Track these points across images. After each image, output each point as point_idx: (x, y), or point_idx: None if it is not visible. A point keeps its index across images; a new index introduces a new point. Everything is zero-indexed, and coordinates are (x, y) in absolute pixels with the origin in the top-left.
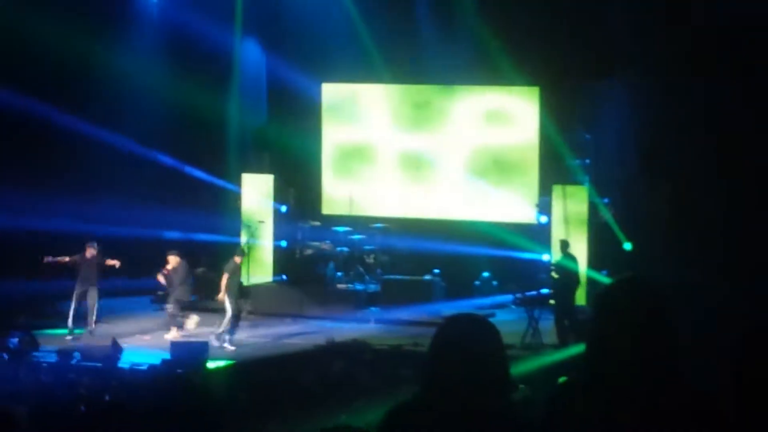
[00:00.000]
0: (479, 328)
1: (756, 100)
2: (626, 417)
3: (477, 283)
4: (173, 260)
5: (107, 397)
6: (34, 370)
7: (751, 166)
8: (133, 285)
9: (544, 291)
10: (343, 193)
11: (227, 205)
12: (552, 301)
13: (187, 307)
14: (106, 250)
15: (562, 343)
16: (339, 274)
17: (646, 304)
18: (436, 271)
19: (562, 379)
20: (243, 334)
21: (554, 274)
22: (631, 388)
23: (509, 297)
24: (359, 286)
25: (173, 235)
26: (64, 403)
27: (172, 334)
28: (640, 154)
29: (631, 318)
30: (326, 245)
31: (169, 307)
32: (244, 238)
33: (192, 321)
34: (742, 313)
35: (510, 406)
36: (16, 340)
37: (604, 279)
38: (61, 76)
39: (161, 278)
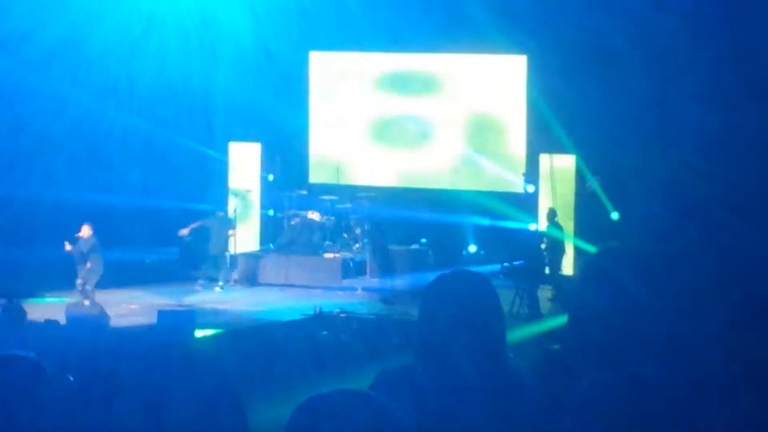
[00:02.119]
0: (473, 284)
1: (749, 73)
2: (612, 384)
3: (464, 252)
4: (85, 229)
5: (94, 366)
6: (21, 337)
7: (740, 135)
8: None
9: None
10: (330, 161)
11: (214, 174)
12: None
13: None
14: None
15: (534, 313)
16: (326, 243)
17: (630, 272)
18: (423, 240)
19: (554, 347)
20: (231, 303)
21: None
22: (616, 357)
23: (496, 267)
24: (346, 255)
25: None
26: (52, 372)
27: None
28: (628, 123)
29: (614, 286)
30: (313, 214)
31: (79, 280)
32: (231, 207)
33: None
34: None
35: (506, 368)
36: (0, 307)
37: (590, 248)
38: (58, 47)
39: (68, 246)
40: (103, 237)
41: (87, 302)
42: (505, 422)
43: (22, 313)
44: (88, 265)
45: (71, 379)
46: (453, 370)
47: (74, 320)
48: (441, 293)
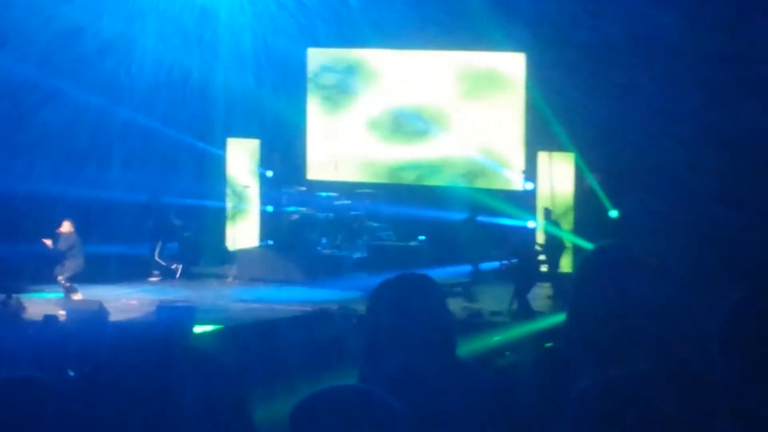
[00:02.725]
0: (415, 286)
1: (748, 72)
2: (607, 382)
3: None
4: (66, 225)
5: (94, 361)
6: (20, 333)
7: (740, 133)
8: (118, 249)
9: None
10: (328, 158)
11: (212, 170)
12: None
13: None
14: (89, 215)
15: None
16: (324, 239)
17: (628, 270)
18: (421, 237)
19: (548, 345)
20: (230, 300)
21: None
22: (612, 354)
23: (495, 264)
24: (345, 252)
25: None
26: (51, 367)
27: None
28: (627, 121)
29: (612, 284)
30: (312, 210)
31: (60, 278)
32: (229, 203)
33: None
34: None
35: (456, 363)
36: None
37: (589, 246)
38: (53, 40)
39: (48, 242)
40: (101, 233)
41: (75, 297)
42: (458, 418)
43: (22, 309)
44: (66, 262)
45: (71, 373)
46: (398, 370)
47: (74, 315)
48: (382, 297)
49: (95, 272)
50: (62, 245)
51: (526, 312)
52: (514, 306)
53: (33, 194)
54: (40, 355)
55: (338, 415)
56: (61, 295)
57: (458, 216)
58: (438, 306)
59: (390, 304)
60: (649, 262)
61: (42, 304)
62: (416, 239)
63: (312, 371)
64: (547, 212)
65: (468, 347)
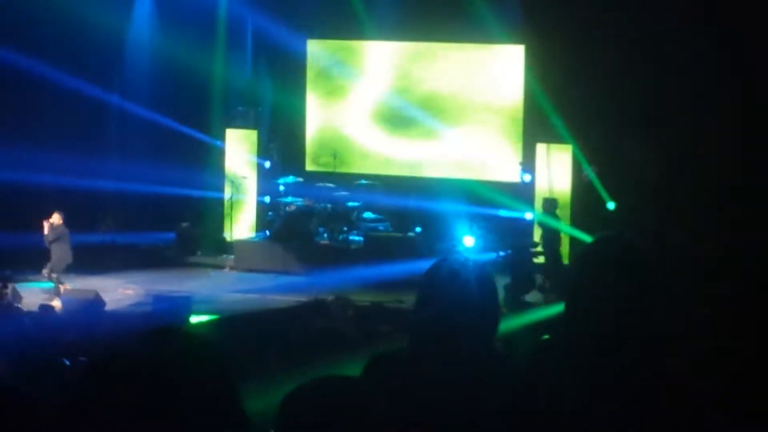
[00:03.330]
0: (471, 271)
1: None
2: (605, 374)
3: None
4: (55, 217)
5: (89, 351)
6: (16, 322)
7: (739, 124)
8: (115, 239)
9: (527, 249)
10: (326, 149)
11: (211, 161)
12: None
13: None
14: (89, 204)
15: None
16: (322, 230)
17: (627, 262)
18: (418, 229)
19: (545, 337)
20: (226, 290)
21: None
22: (609, 346)
23: (492, 255)
24: (342, 243)
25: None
26: (47, 356)
27: (56, 302)
28: (625, 113)
29: (611, 276)
30: (310, 201)
31: (51, 268)
32: (227, 194)
33: (56, 301)
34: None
35: (495, 354)
36: None
37: (587, 238)
38: (50, 32)
39: (45, 224)
40: (98, 222)
41: (63, 288)
42: (495, 407)
43: (18, 298)
44: (52, 254)
45: (66, 363)
46: (446, 356)
47: (70, 305)
48: (437, 279)
49: (91, 262)
50: (50, 236)
51: (518, 302)
52: (510, 297)
53: (29, 184)
54: (35, 345)
55: (324, 407)
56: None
57: (455, 207)
58: (491, 294)
59: (443, 287)
60: (647, 253)
61: (38, 293)
62: (414, 230)
63: (308, 362)
64: (546, 203)
65: None
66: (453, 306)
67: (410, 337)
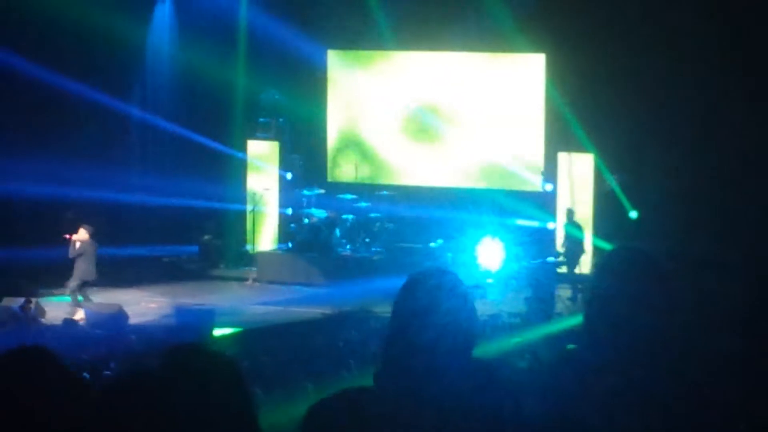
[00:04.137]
0: (440, 281)
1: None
2: (624, 384)
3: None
4: (82, 233)
5: (112, 365)
6: (39, 337)
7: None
8: (138, 252)
9: (550, 259)
10: (348, 160)
11: (232, 172)
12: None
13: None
14: (108, 218)
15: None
16: (344, 241)
17: (646, 272)
18: (440, 241)
19: (570, 347)
20: (249, 302)
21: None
22: (628, 356)
23: (515, 265)
24: (365, 254)
25: (178, 201)
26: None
27: (78, 315)
28: (647, 122)
29: (630, 286)
30: (332, 213)
31: (71, 283)
32: (249, 206)
33: (79, 312)
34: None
35: (474, 362)
36: (17, 306)
37: (609, 247)
38: (70, 44)
39: (70, 237)
40: (122, 235)
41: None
42: (477, 418)
43: (41, 312)
44: (76, 269)
45: (87, 376)
46: (421, 370)
47: (93, 319)
48: (409, 292)
49: (114, 276)
50: (76, 250)
51: (544, 313)
52: (532, 307)
53: (52, 198)
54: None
55: (349, 419)
56: (80, 299)
57: (476, 217)
58: (461, 302)
59: (415, 300)
60: (665, 264)
61: (61, 307)
62: (436, 241)
63: (331, 374)
64: (569, 213)
65: (487, 348)
66: (425, 320)
67: (384, 352)
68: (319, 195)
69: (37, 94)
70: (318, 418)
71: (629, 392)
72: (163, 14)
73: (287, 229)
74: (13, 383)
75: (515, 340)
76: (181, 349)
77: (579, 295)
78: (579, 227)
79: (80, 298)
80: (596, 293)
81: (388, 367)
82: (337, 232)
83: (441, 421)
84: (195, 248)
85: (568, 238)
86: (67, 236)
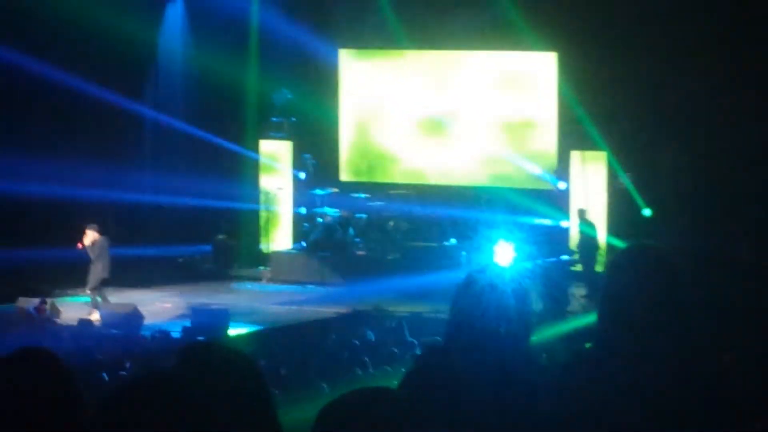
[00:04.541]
0: (504, 280)
1: None
2: (638, 381)
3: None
4: (90, 235)
5: (128, 365)
6: (55, 337)
7: None
8: (152, 252)
9: (563, 258)
10: (360, 159)
11: (245, 172)
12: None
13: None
14: (124, 217)
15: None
16: (358, 240)
17: (659, 270)
18: (453, 241)
19: (587, 346)
20: (264, 302)
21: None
22: (642, 354)
23: (528, 264)
24: (379, 253)
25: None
26: (86, 371)
27: (94, 316)
28: (660, 119)
29: (642, 284)
30: (345, 212)
31: (90, 284)
32: (263, 205)
33: (94, 313)
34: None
35: (529, 362)
36: (33, 307)
37: (622, 245)
38: (82, 45)
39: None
40: (136, 235)
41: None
42: (525, 415)
43: (56, 313)
44: (91, 269)
45: (105, 377)
46: (480, 365)
47: (109, 319)
48: (472, 289)
49: (129, 276)
50: (91, 251)
51: (558, 312)
52: (547, 306)
53: (65, 198)
54: (75, 359)
55: (361, 421)
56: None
57: (490, 216)
58: (522, 302)
59: (477, 296)
60: (678, 261)
61: (77, 307)
62: (449, 240)
63: (347, 373)
64: (581, 212)
65: None
66: (487, 317)
67: (444, 348)
68: (332, 194)
69: (50, 96)
70: (329, 419)
71: (644, 391)
72: (175, 14)
73: (301, 228)
74: (11, 384)
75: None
76: (198, 346)
77: (593, 293)
78: (592, 225)
79: (98, 298)
80: (609, 291)
81: (454, 352)
82: (351, 231)
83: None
84: (209, 248)
85: (582, 236)
86: (80, 245)
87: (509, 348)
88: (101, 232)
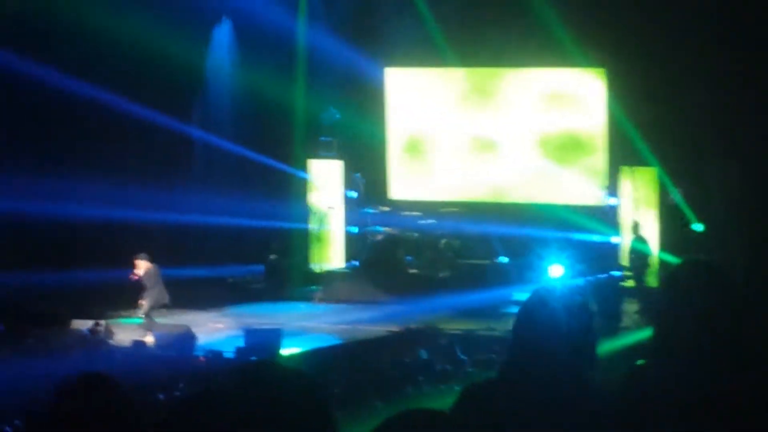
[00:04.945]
0: (568, 300)
1: None
2: (694, 397)
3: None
4: (142, 265)
5: (181, 385)
6: (109, 358)
7: None
8: (203, 273)
9: (615, 274)
10: (410, 177)
11: (295, 192)
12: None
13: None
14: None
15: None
16: (410, 259)
17: (714, 285)
18: (505, 259)
19: (640, 362)
20: (316, 322)
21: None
22: (698, 369)
23: (580, 280)
24: (430, 271)
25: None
26: (141, 392)
27: (148, 338)
28: (709, 133)
29: (698, 300)
30: (396, 230)
31: (144, 306)
32: (314, 225)
33: (148, 335)
34: None
35: (588, 385)
36: (87, 329)
37: (674, 260)
38: (130, 66)
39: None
40: (187, 257)
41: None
42: None
43: (110, 334)
44: (147, 296)
45: (161, 397)
46: (538, 386)
47: (162, 340)
48: (535, 307)
49: (181, 297)
50: (145, 281)
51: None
52: (598, 322)
53: (117, 219)
54: (129, 380)
55: None
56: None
57: (541, 232)
58: (586, 323)
59: (540, 316)
60: (732, 277)
61: (130, 329)
62: (501, 257)
63: (400, 392)
64: (635, 226)
65: None
66: (548, 336)
67: (503, 365)
68: (383, 213)
69: (101, 119)
70: None
71: (700, 406)
72: (223, 34)
73: (353, 247)
74: (74, 409)
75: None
76: (254, 365)
77: (645, 309)
78: (644, 240)
79: (153, 319)
80: (664, 308)
81: (511, 373)
82: (403, 249)
83: None
84: (261, 268)
85: (634, 251)
86: (132, 276)
87: (566, 373)
88: (151, 260)
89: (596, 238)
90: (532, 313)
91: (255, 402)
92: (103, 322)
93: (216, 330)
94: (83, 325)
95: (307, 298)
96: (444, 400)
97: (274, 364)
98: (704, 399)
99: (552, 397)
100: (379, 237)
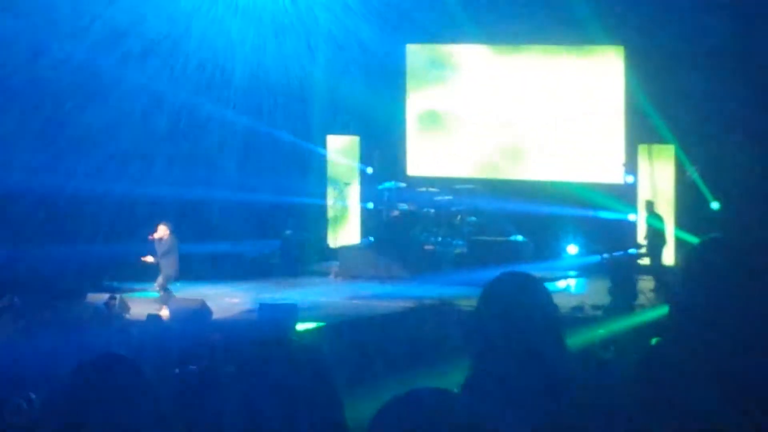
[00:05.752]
0: (521, 286)
1: None
2: (710, 376)
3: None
4: (162, 230)
5: (197, 360)
6: (124, 332)
7: None
8: (220, 247)
9: (632, 251)
10: (428, 154)
11: (312, 168)
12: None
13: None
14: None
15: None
16: (426, 235)
17: (731, 263)
18: (521, 238)
19: (654, 341)
20: (332, 297)
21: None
22: (715, 348)
23: (596, 258)
24: (446, 248)
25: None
26: (155, 366)
27: (163, 312)
28: (727, 111)
29: (715, 278)
30: (413, 206)
31: (160, 281)
32: (330, 200)
33: (163, 308)
34: None
35: (564, 367)
36: (102, 303)
37: (691, 239)
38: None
39: (148, 259)
40: (204, 231)
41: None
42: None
43: (125, 308)
44: (162, 267)
45: (177, 371)
46: (501, 373)
47: (177, 314)
48: (491, 296)
49: (197, 271)
50: (158, 249)
51: (626, 305)
52: (614, 300)
53: (137, 195)
54: (144, 354)
55: (419, 420)
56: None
57: (557, 210)
58: (543, 308)
59: (495, 304)
60: (751, 255)
61: (145, 303)
62: (517, 234)
63: (411, 368)
64: (649, 204)
65: (571, 340)
66: (502, 323)
67: (470, 353)
68: (399, 189)
69: (119, 95)
70: (386, 418)
71: (716, 385)
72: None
73: (369, 223)
74: (91, 391)
75: (599, 332)
76: (265, 343)
77: (661, 287)
78: (659, 218)
79: (168, 292)
80: (681, 286)
81: (480, 364)
82: (419, 225)
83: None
84: (277, 243)
85: (650, 229)
86: (150, 237)
87: (532, 361)
88: (173, 231)
89: (613, 216)
90: (488, 300)
91: (267, 378)
92: (118, 295)
93: (231, 304)
94: (99, 298)
95: (322, 273)
96: (456, 376)
97: (284, 341)
98: (720, 377)
99: (525, 385)
100: (395, 213)
